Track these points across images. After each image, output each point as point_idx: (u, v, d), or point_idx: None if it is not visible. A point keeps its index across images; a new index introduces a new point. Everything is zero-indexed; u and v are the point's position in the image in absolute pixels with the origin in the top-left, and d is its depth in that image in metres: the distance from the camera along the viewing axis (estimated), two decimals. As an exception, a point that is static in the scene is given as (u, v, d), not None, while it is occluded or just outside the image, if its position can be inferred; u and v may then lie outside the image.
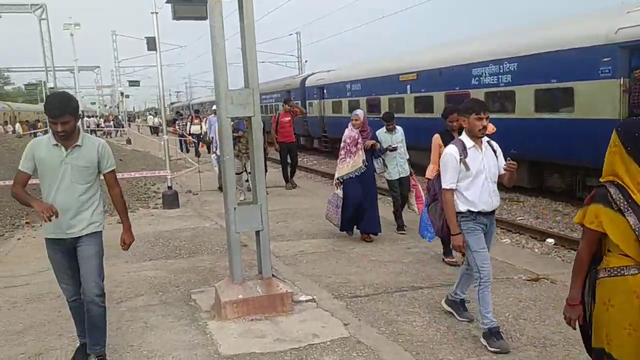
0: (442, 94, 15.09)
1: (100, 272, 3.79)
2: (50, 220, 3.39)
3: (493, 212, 4.17)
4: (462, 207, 4.05)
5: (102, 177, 3.91)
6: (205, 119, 18.14)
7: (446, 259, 6.21)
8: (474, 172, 3.99)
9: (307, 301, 5.09)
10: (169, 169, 10.76)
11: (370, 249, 6.82)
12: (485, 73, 13.38)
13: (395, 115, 8.33)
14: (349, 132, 7.15)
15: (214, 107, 18.73)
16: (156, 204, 10.77)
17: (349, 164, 7.05)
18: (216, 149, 12.01)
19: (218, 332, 4.44)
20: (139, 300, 5.30)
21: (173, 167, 11.78)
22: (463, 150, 4.01)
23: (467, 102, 4.20)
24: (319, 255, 6.70)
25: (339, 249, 7.01)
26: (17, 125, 32.09)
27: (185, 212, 9.94)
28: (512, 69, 12.56)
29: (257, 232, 4.97)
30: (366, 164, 7.02)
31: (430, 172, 6.03)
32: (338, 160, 7.28)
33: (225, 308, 4.69)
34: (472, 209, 4.03)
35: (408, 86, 16.96)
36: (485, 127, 4.00)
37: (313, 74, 26.59)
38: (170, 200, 10.26)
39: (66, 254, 3.78)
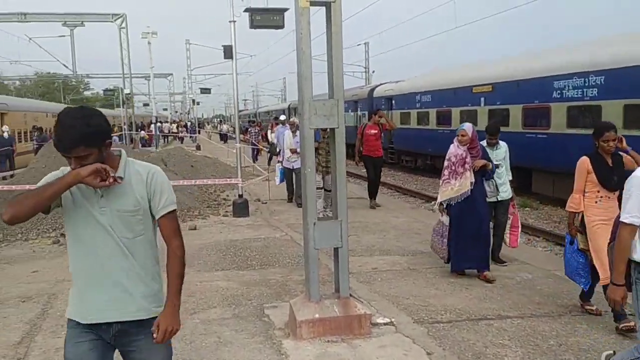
0: (520, 107, 14.45)
1: None
2: (115, 181, 2.29)
3: None
4: (636, 255, 3.16)
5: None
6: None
7: (619, 325, 4.56)
8: None
9: (385, 324, 4.81)
10: (240, 177, 10.77)
11: (447, 270, 6.43)
12: (569, 86, 12.69)
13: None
14: (455, 150, 6.13)
15: (282, 116, 18.94)
16: (226, 211, 10.81)
17: (454, 187, 6.05)
18: (282, 159, 11.88)
19: (293, 353, 4.25)
20: (212, 312, 5.20)
21: (242, 175, 11.79)
22: None
23: None
24: (394, 274, 6.41)
25: (414, 267, 6.69)
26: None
27: (255, 221, 9.90)
28: (599, 82, 11.84)
29: (336, 249, 4.76)
30: (472, 187, 5.99)
31: (573, 204, 4.87)
32: (441, 182, 6.29)
33: (301, 327, 4.49)
34: None
35: (482, 98, 16.38)
36: None
37: (381, 84, 26.33)
38: (241, 208, 10.26)
39: (99, 351, 2.41)
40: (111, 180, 2.28)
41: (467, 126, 6.19)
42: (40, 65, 52.34)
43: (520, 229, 6.79)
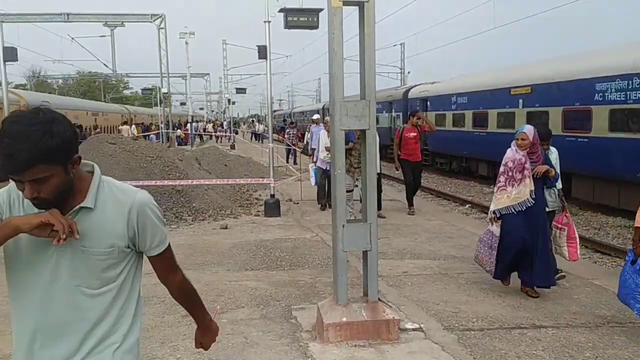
0: (560, 109, 14.05)
1: None
2: (65, 238, 1.64)
3: None
4: None
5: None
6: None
7: None
8: None
9: (414, 330, 4.71)
10: (272, 177, 10.79)
11: (480, 276, 6.28)
12: (611, 88, 12.27)
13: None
14: (512, 154, 5.56)
15: (315, 116, 18.91)
16: (258, 211, 10.85)
17: (510, 195, 5.51)
18: (316, 160, 11.81)
19: (320, 357, 4.20)
20: (239, 312, 5.19)
21: (275, 175, 11.81)
22: None
23: None
24: (425, 278, 6.29)
25: (445, 272, 6.56)
26: (133, 127, 34.24)
27: (286, 221, 9.90)
28: (643, 84, 11.41)
29: (365, 252, 4.69)
30: (533, 195, 5.46)
31: None
32: (495, 189, 5.75)
33: (328, 330, 4.44)
34: None
35: (520, 100, 16.00)
36: None
37: (416, 85, 26.06)
38: (272, 208, 10.28)
39: None
40: (63, 238, 1.63)
41: (528, 129, 5.60)
42: (81, 64, 53.70)
43: (578, 240, 6.05)
